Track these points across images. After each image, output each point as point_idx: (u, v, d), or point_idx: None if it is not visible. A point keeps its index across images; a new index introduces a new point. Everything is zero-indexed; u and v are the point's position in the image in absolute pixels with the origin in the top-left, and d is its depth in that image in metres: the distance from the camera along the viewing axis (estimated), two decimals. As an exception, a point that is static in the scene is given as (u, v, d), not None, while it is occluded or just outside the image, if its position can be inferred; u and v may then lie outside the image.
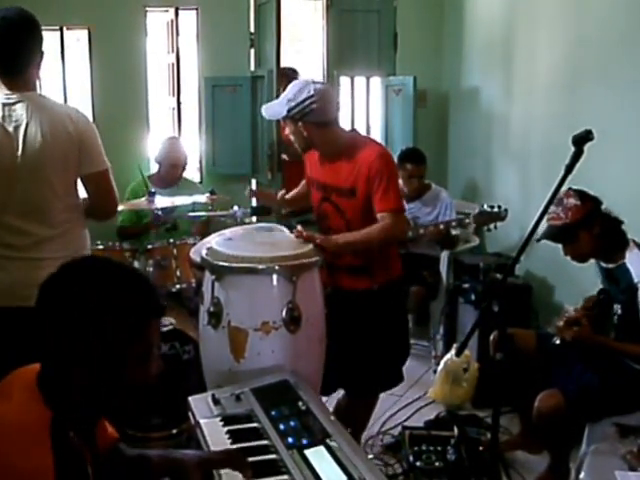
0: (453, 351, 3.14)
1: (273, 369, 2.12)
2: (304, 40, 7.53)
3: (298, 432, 1.72)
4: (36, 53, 2.24)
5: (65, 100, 4.71)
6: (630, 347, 2.50)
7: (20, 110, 2.18)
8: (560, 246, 2.69)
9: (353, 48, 5.26)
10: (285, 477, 1.55)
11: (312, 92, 2.41)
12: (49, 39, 3.49)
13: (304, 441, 1.67)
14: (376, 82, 5.39)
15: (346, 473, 1.54)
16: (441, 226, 3.71)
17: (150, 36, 5.09)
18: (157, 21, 5.16)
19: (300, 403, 1.85)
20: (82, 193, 2.39)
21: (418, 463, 2.73)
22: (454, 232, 3.89)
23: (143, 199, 3.40)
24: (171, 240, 3.39)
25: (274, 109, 2.55)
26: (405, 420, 3.28)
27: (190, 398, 1.96)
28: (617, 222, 2.61)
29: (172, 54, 5.02)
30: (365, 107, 5.45)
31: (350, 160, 2.48)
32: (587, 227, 2.57)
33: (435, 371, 3.47)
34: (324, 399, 2.52)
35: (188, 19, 5.09)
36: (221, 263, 2.22)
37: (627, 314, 2.56)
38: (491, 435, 2.11)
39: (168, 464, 1.54)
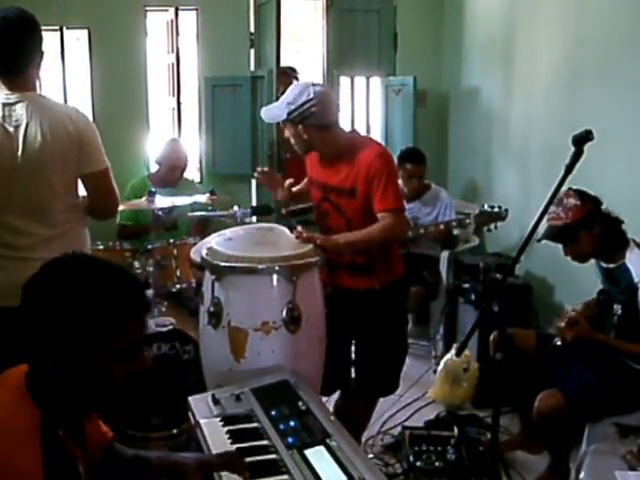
0: (453, 351, 3.14)
1: (273, 369, 2.12)
2: (304, 40, 7.53)
3: (298, 432, 1.72)
4: (36, 53, 2.24)
5: (65, 100, 4.71)
6: (630, 346, 2.50)
7: (20, 110, 2.18)
8: (560, 246, 2.69)
9: (353, 48, 5.26)
10: (285, 477, 1.55)
11: (312, 95, 2.41)
12: (49, 39, 3.50)
13: (304, 441, 1.67)
14: (376, 82, 5.39)
15: (346, 473, 1.54)
16: (441, 226, 3.71)
17: (150, 36, 5.09)
18: (157, 21, 5.16)
19: (300, 403, 1.85)
20: (82, 191, 2.39)
21: (418, 463, 2.72)
22: (454, 232, 3.89)
23: (143, 199, 3.40)
24: (171, 240, 3.40)
25: (273, 112, 2.54)
26: (405, 420, 3.27)
27: (190, 398, 1.96)
28: (617, 222, 2.61)
29: (172, 54, 5.02)
30: (365, 107, 5.45)
31: (350, 161, 2.48)
32: (587, 227, 2.57)
33: (435, 371, 3.47)
34: (324, 399, 2.52)
35: (188, 19, 5.09)
36: (221, 263, 2.22)
37: (627, 314, 2.56)
38: (491, 435, 2.11)
39: (167, 466, 1.54)
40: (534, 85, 4.24)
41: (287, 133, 2.55)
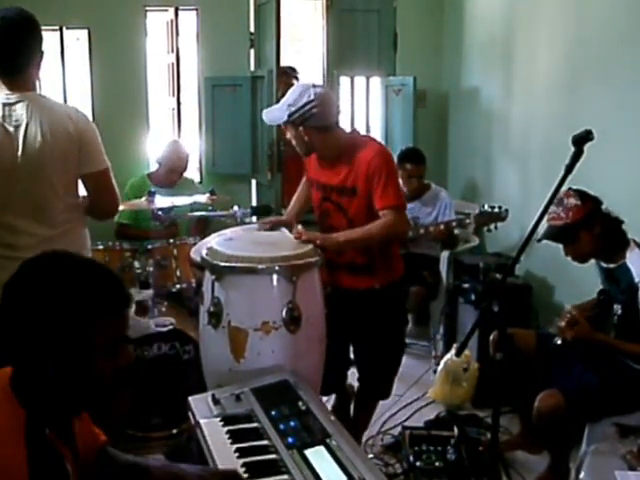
0: (453, 351, 3.13)
1: (273, 369, 2.11)
2: (304, 40, 7.53)
3: (298, 432, 1.72)
4: (36, 53, 2.25)
5: (65, 100, 4.71)
6: (630, 346, 2.50)
7: (20, 110, 2.18)
8: (560, 246, 2.69)
9: (353, 48, 5.26)
10: (285, 477, 1.55)
11: (312, 97, 2.41)
12: (49, 39, 3.50)
13: (304, 441, 1.67)
14: (376, 82, 5.39)
15: (346, 473, 1.54)
16: (441, 226, 3.71)
17: (150, 36, 5.09)
18: (157, 21, 5.16)
19: (300, 403, 1.85)
20: (82, 191, 2.39)
21: (418, 463, 2.72)
22: (454, 232, 3.89)
23: (143, 199, 3.40)
24: (171, 240, 3.40)
25: (274, 114, 2.54)
26: (405, 420, 3.27)
27: (190, 398, 1.96)
28: (617, 222, 2.61)
29: (172, 54, 5.02)
30: (365, 107, 5.45)
31: (350, 160, 2.49)
32: (588, 227, 2.57)
33: (435, 371, 3.47)
34: (324, 399, 2.52)
35: (188, 19, 5.09)
36: (221, 263, 2.22)
37: (627, 314, 2.56)
38: (491, 435, 2.11)
39: (168, 477, 1.54)
40: (534, 85, 4.24)
41: (289, 135, 2.55)
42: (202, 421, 1.82)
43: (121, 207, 2.71)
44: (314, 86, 2.46)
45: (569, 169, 1.88)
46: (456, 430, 2.84)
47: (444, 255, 4.07)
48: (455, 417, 3.11)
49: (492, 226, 3.59)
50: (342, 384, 2.85)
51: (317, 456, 1.61)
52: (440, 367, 3.19)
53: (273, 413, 1.81)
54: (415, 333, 4.32)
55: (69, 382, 1.25)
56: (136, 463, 1.56)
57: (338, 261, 2.56)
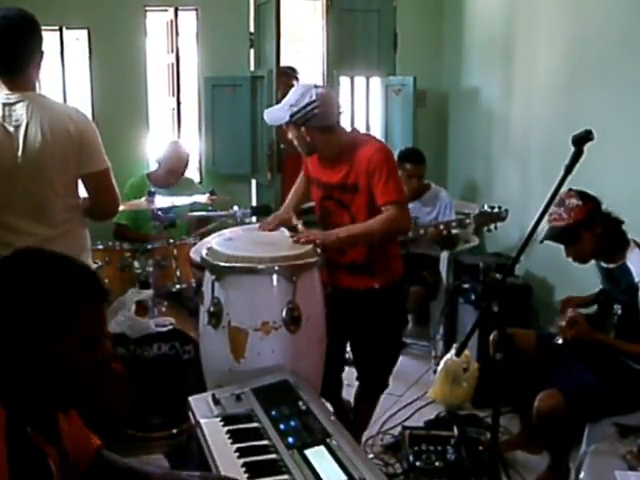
0: (453, 351, 3.13)
1: (273, 369, 2.12)
2: (304, 40, 7.52)
3: (298, 432, 1.72)
4: (36, 53, 2.24)
5: (65, 100, 4.70)
6: (630, 346, 2.50)
7: (20, 110, 2.18)
8: (560, 246, 2.69)
9: (353, 48, 5.26)
10: (285, 477, 1.55)
11: (314, 97, 2.41)
12: (48, 39, 3.48)
13: (304, 441, 1.67)
14: (376, 82, 5.39)
15: (346, 473, 1.54)
16: (441, 226, 3.71)
17: (150, 36, 5.09)
18: (157, 21, 5.16)
19: (300, 403, 1.85)
20: (82, 193, 2.39)
21: (418, 463, 2.72)
22: (454, 232, 3.89)
23: (143, 199, 3.40)
24: (171, 240, 3.40)
25: (276, 114, 2.54)
26: (405, 420, 3.27)
27: (190, 398, 1.96)
28: (618, 222, 2.62)
29: (172, 54, 5.02)
30: (365, 107, 5.45)
31: (350, 158, 2.49)
32: (589, 227, 2.57)
33: (435, 371, 3.47)
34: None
35: (188, 19, 5.09)
36: (221, 263, 2.22)
37: (627, 314, 2.56)
38: (491, 435, 2.11)
39: None
40: (534, 85, 4.24)
41: (290, 135, 2.55)
42: (202, 421, 1.82)
43: (121, 207, 2.70)
44: (316, 86, 2.46)
45: (569, 169, 1.88)
46: (456, 430, 2.85)
47: (444, 255, 4.07)
48: (455, 417, 3.11)
49: (492, 226, 3.59)
50: (339, 383, 2.85)
51: (317, 456, 1.61)
52: (440, 367, 3.19)
53: (273, 413, 1.81)
54: (415, 333, 4.32)
55: (47, 377, 1.24)
56: (135, 468, 1.55)
57: (338, 261, 2.56)
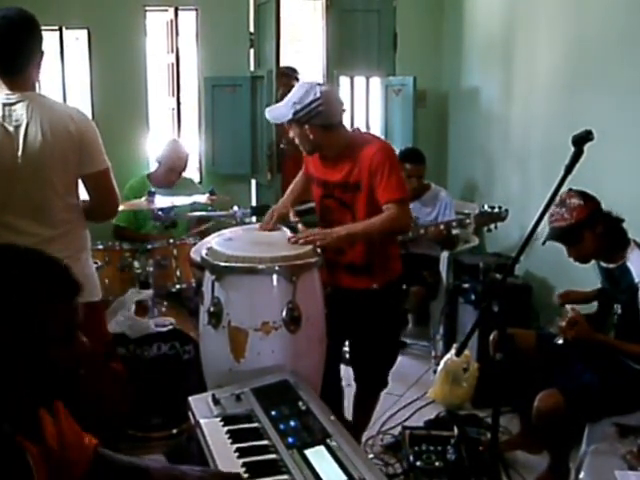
0: (453, 351, 3.13)
1: (273, 369, 2.11)
2: (304, 40, 7.53)
3: (298, 432, 1.72)
4: (36, 53, 2.25)
5: (65, 100, 4.70)
6: (630, 346, 2.51)
7: (20, 110, 2.18)
8: (560, 246, 2.69)
9: (353, 48, 5.26)
10: (285, 477, 1.55)
11: (318, 94, 2.41)
12: (48, 39, 3.48)
13: (304, 441, 1.67)
14: (376, 82, 5.39)
15: (346, 473, 1.54)
16: (441, 226, 3.71)
17: (150, 36, 5.09)
18: (157, 21, 5.16)
19: (300, 403, 1.85)
20: (82, 195, 2.39)
21: (418, 463, 2.72)
22: (454, 232, 3.89)
23: (143, 199, 3.40)
24: (171, 240, 3.40)
25: (279, 112, 2.53)
26: (405, 420, 3.28)
27: (190, 398, 1.96)
28: (618, 220, 2.62)
29: (172, 54, 5.02)
30: (365, 107, 5.45)
31: (352, 157, 2.49)
32: (591, 227, 2.58)
33: (435, 371, 3.47)
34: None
35: (188, 19, 5.09)
36: (221, 263, 2.22)
37: (627, 314, 2.56)
38: (491, 435, 2.11)
39: (168, 479, 1.53)
40: (534, 85, 4.23)
41: (292, 133, 2.54)
42: (202, 421, 1.82)
43: (121, 207, 2.71)
44: (319, 84, 2.47)
45: (569, 169, 1.88)
46: (456, 430, 2.85)
47: (444, 255, 4.07)
48: (455, 417, 3.11)
49: (492, 226, 3.59)
50: (338, 383, 2.85)
51: (317, 456, 1.61)
52: (440, 367, 3.19)
53: (273, 413, 1.81)
54: (415, 333, 4.32)
55: (23, 373, 1.23)
56: (135, 465, 1.55)
57: (337, 261, 2.56)
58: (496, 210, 3.57)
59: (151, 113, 5.17)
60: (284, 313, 2.18)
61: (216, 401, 1.90)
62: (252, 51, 5.17)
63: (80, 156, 2.25)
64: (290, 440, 1.68)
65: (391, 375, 2.84)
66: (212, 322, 2.24)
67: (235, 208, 3.40)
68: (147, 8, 4.98)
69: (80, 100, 4.98)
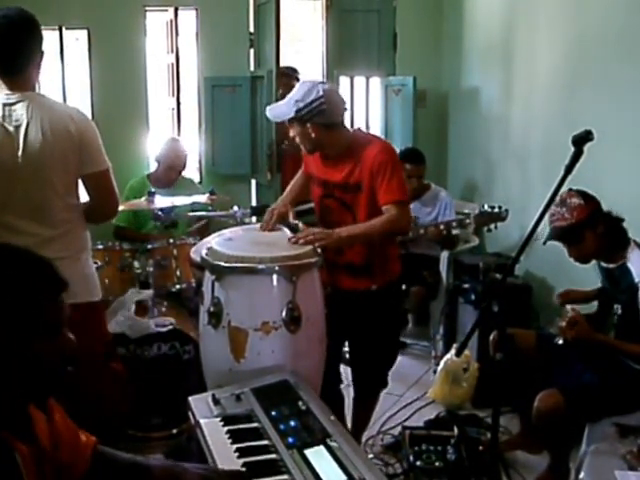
0: (453, 351, 3.13)
1: (273, 369, 2.11)
2: (304, 40, 7.53)
3: (298, 432, 1.72)
4: (36, 53, 2.25)
5: (64, 100, 4.70)
6: (630, 346, 2.51)
7: (21, 110, 2.18)
8: (561, 246, 2.69)
9: (353, 48, 5.26)
10: (285, 477, 1.55)
11: (321, 93, 2.40)
12: (48, 39, 3.47)
13: (304, 441, 1.67)
14: (376, 82, 5.39)
15: (346, 473, 1.54)
16: (441, 226, 3.71)
17: (149, 36, 5.09)
18: (156, 21, 5.16)
19: (300, 403, 1.85)
20: (82, 197, 2.39)
21: (418, 463, 2.72)
22: (454, 232, 3.89)
23: (143, 199, 3.40)
24: (171, 240, 3.40)
25: (280, 110, 2.53)
26: (405, 420, 3.28)
27: (190, 398, 1.96)
28: (618, 220, 2.62)
29: (172, 54, 5.02)
30: (365, 107, 5.45)
31: (354, 158, 2.49)
32: (592, 226, 2.58)
33: (435, 371, 3.47)
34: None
35: (188, 19, 5.09)
36: (221, 263, 2.21)
37: (627, 314, 2.56)
38: (491, 435, 2.11)
39: (169, 476, 1.53)
40: (534, 85, 4.24)
41: (292, 132, 2.53)
42: (202, 421, 1.82)
43: (121, 207, 2.71)
44: (322, 83, 2.46)
45: (569, 169, 1.88)
46: (456, 430, 2.85)
47: (444, 255, 4.07)
48: (455, 417, 3.11)
49: (492, 226, 3.59)
50: (338, 383, 2.85)
51: (317, 456, 1.61)
52: (440, 367, 3.19)
53: (273, 413, 1.81)
54: (415, 333, 4.32)
55: (10, 370, 1.23)
56: (136, 461, 1.55)
57: (336, 261, 2.55)
58: (496, 210, 3.57)
59: (151, 113, 5.17)
60: (284, 313, 2.17)
61: (216, 401, 1.90)
62: (252, 51, 5.17)
63: (80, 156, 2.26)
64: (290, 440, 1.68)
65: (391, 375, 2.84)
66: (212, 322, 2.24)
67: (235, 208, 3.39)
68: (147, 8, 4.97)
69: (80, 100, 4.98)
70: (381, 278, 2.60)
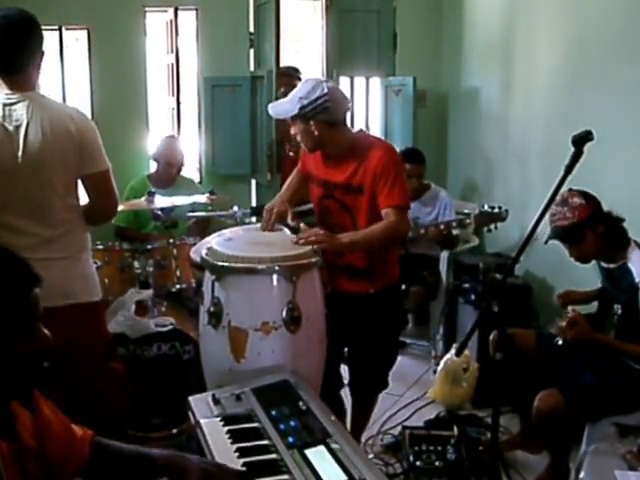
0: (453, 351, 3.14)
1: (273, 369, 2.11)
2: (304, 40, 7.53)
3: (298, 432, 1.72)
4: (37, 53, 2.24)
5: (64, 100, 4.70)
6: (630, 346, 2.51)
7: (21, 110, 2.18)
8: (561, 246, 2.69)
9: (353, 48, 5.26)
10: (285, 477, 1.55)
11: (326, 90, 2.40)
12: (48, 39, 3.47)
13: (304, 441, 1.67)
14: (376, 82, 5.39)
15: (346, 473, 1.54)
16: (441, 226, 3.71)
17: (149, 36, 5.08)
18: (156, 21, 5.15)
19: (300, 403, 1.85)
20: (81, 199, 2.39)
21: (418, 463, 2.73)
22: (454, 232, 3.90)
23: (143, 199, 3.40)
24: (171, 240, 3.40)
25: (283, 107, 2.51)
26: (405, 420, 3.28)
27: (190, 398, 1.96)
28: (619, 220, 2.63)
29: (171, 54, 5.02)
30: (365, 107, 5.45)
31: (357, 159, 2.48)
32: (593, 226, 2.58)
33: (435, 371, 3.47)
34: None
35: (187, 19, 5.09)
36: (221, 263, 2.21)
37: (627, 314, 2.57)
38: (491, 435, 2.11)
39: (170, 464, 1.53)
40: (534, 85, 4.24)
41: (294, 130, 2.52)
42: (202, 421, 1.82)
43: (121, 207, 2.70)
44: (326, 81, 2.46)
45: (569, 169, 1.88)
46: (456, 430, 2.85)
47: (444, 255, 4.07)
48: (455, 417, 3.12)
49: (492, 226, 3.60)
50: (338, 383, 2.85)
51: (317, 456, 1.61)
52: (440, 367, 3.19)
53: (273, 413, 1.81)
54: (415, 333, 4.32)
55: None
56: (139, 452, 1.55)
57: (335, 262, 2.54)
58: (496, 210, 3.57)
59: (151, 113, 5.16)
60: (284, 313, 2.17)
61: (216, 401, 1.90)
62: (252, 51, 5.17)
63: (80, 156, 2.25)
64: (290, 440, 1.68)
65: (391, 375, 2.83)
66: (212, 322, 2.24)
67: (235, 208, 3.39)
68: (147, 8, 4.97)
69: (80, 100, 4.98)
70: (380, 281, 2.60)
